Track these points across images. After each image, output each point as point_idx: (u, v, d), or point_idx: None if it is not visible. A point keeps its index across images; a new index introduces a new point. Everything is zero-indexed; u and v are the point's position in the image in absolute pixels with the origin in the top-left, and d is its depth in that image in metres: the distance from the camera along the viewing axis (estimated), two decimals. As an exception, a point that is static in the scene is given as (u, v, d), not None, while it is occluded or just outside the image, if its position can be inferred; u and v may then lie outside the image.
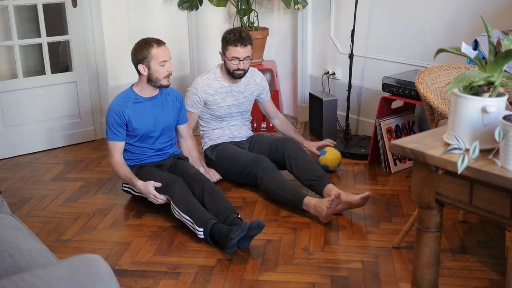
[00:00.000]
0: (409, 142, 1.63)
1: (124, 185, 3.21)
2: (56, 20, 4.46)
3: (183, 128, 3.36)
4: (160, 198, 2.97)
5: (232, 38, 3.28)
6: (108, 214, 3.09)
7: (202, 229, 2.73)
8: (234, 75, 3.37)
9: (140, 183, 3.02)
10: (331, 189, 3.05)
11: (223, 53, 3.35)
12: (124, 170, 3.10)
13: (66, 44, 4.21)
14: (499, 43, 1.56)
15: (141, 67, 3.07)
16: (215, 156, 3.44)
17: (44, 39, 4.00)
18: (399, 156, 3.59)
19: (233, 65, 3.32)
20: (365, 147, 3.85)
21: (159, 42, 3.09)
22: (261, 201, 3.20)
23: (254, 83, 3.54)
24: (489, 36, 1.56)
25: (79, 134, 4.22)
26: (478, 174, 1.44)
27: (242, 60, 3.31)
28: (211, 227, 2.71)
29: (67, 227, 2.95)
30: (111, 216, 3.06)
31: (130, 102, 3.11)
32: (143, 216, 3.07)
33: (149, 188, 2.97)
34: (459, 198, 1.57)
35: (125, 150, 3.17)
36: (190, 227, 2.80)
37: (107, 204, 3.21)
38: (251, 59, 3.40)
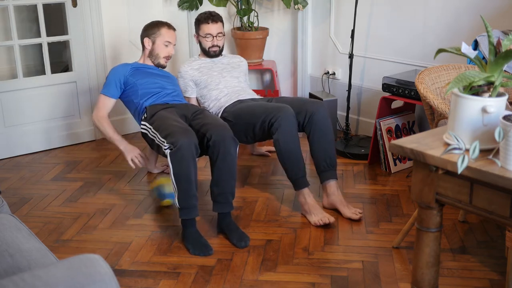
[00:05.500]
0: (409, 142, 1.63)
1: (142, 125, 3.11)
2: (56, 20, 4.46)
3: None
4: (139, 164, 3.15)
5: (203, 17, 3.50)
6: (108, 214, 3.09)
7: (179, 207, 2.72)
8: (210, 53, 3.52)
9: (124, 145, 3.16)
10: (332, 186, 3.03)
11: (198, 34, 3.53)
12: (107, 125, 3.22)
13: (66, 44, 4.21)
14: (499, 43, 1.56)
15: (146, 40, 3.36)
16: (232, 114, 3.21)
17: (44, 39, 4.00)
18: (399, 156, 3.59)
19: (207, 42, 3.49)
20: (365, 147, 3.85)
21: (171, 26, 3.41)
22: (261, 201, 3.20)
23: (238, 59, 3.67)
24: (489, 36, 1.56)
25: (79, 134, 4.22)
26: (478, 174, 1.44)
27: (215, 36, 3.48)
28: (187, 219, 2.74)
29: (67, 227, 2.95)
30: (111, 216, 3.07)
31: (134, 65, 3.36)
32: (143, 216, 3.07)
33: (135, 152, 3.17)
34: (459, 198, 1.57)
35: (141, 96, 3.24)
36: (173, 189, 2.75)
37: (107, 204, 3.21)
38: (224, 35, 3.55)
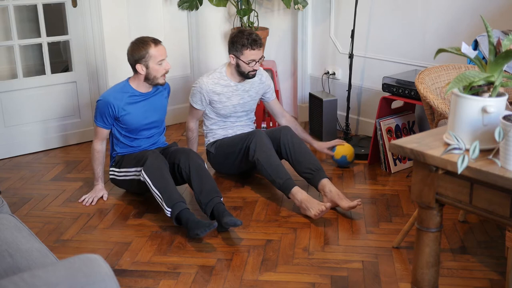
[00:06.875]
0: (409, 142, 1.63)
1: (111, 173, 3.27)
2: (56, 20, 4.46)
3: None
4: (88, 203, 3.21)
5: (247, 42, 3.28)
6: (108, 214, 3.10)
7: (170, 210, 2.82)
8: (248, 76, 3.37)
9: (99, 185, 3.28)
10: (326, 185, 3.07)
11: (237, 57, 3.31)
12: (98, 162, 3.27)
13: (66, 44, 4.21)
14: (499, 43, 1.56)
15: (139, 66, 3.11)
16: (215, 148, 3.43)
17: (44, 39, 4.00)
18: (399, 156, 3.59)
19: (250, 67, 3.33)
20: (365, 147, 3.85)
21: (156, 42, 3.13)
22: (261, 201, 3.20)
23: (260, 81, 3.52)
24: (489, 36, 1.56)
25: (79, 134, 4.22)
26: (478, 174, 1.44)
27: (258, 61, 3.34)
28: (180, 211, 2.80)
29: (67, 227, 2.95)
30: (111, 216, 3.07)
31: (126, 96, 3.17)
32: (143, 216, 3.07)
33: (100, 193, 3.26)
34: (459, 198, 1.57)
35: (119, 141, 3.24)
36: (159, 202, 2.88)
37: (107, 204, 3.21)
38: (264, 57, 3.46)
